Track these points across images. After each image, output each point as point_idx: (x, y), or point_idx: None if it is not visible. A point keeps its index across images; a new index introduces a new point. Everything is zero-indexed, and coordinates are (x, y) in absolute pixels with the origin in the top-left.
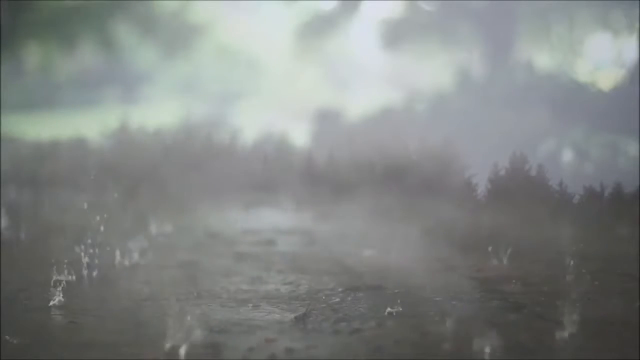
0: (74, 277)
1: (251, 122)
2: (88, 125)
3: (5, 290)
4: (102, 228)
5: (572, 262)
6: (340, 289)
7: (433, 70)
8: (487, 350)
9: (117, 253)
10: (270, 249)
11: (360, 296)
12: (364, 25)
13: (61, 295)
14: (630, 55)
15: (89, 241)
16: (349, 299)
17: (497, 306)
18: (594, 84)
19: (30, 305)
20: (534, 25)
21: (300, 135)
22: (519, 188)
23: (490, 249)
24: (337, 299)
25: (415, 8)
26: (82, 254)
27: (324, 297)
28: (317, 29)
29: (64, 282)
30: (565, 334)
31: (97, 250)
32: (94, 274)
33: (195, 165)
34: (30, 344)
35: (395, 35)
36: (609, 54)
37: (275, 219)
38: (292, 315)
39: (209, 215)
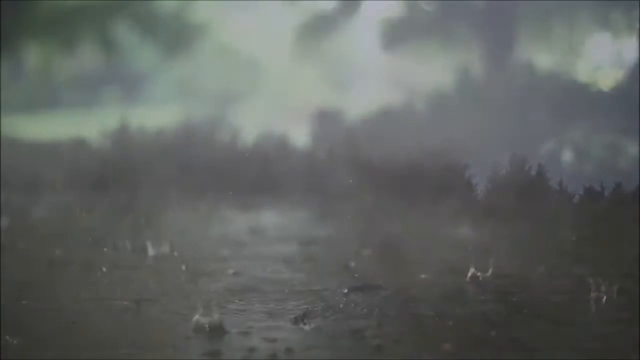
0: None
1: (251, 122)
2: (88, 125)
3: (5, 290)
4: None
5: (572, 262)
6: (340, 289)
7: (433, 70)
8: (485, 350)
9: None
10: (270, 249)
11: (360, 296)
12: (364, 25)
13: None
14: (630, 55)
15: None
16: (349, 299)
17: (497, 306)
18: (594, 84)
19: (30, 305)
20: (534, 25)
21: (300, 135)
22: (519, 188)
23: (490, 249)
24: (337, 299)
25: (415, 8)
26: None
27: (324, 297)
28: (317, 29)
29: None
30: (565, 334)
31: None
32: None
33: (195, 165)
34: (30, 344)
35: (395, 35)
36: (609, 54)
37: (275, 219)
38: (292, 316)
39: (209, 215)
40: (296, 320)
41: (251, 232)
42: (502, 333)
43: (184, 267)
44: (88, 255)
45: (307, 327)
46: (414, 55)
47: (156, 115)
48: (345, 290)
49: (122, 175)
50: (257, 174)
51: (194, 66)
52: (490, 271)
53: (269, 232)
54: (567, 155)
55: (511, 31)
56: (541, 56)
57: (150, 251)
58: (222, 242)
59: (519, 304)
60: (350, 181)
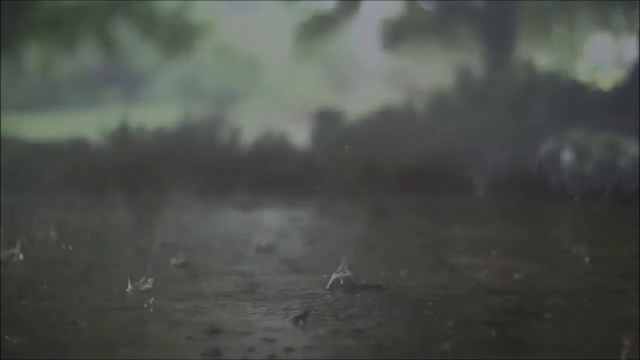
0: None
1: (251, 122)
2: (88, 125)
3: (5, 290)
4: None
5: (571, 262)
6: (340, 289)
7: (433, 70)
8: (485, 350)
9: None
10: (270, 249)
11: (360, 296)
12: (364, 25)
13: None
14: (630, 55)
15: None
16: (349, 298)
17: (497, 306)
18: (594, 84)
19: (30, 305)
20: (534, 25)
21: (300, 135)
22: (519, 188)
23: (490, 248)
24: (337, 299)
25: (415, 8)
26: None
27: (324, 297)
28: (317, 29)
29: None
30: (565, 334)
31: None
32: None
33: (195, 165)
34: (30, 344)
35: (395, 35)
36: (609, 54)
37: (275, 219)
38: (292, 315)
39: (208, 214)
40: (296, 320)
41: (251, 231)
42: (502, 333)
43: (183, 267)
44: (88, 254)
45: (306, 327)
46: (414, 55)
47: (156, 115)
48: (345, 290)
49: (122, 175)
50: (257, 174)
51: (194, 66)
52: (489, 271)
53: (268, 231)
54: (567, 155)
55: (511, 31)
56: (541, 56)
57: (150, 251)
58: (222, 242)
59: (519, 304)
60: (350, 181)
